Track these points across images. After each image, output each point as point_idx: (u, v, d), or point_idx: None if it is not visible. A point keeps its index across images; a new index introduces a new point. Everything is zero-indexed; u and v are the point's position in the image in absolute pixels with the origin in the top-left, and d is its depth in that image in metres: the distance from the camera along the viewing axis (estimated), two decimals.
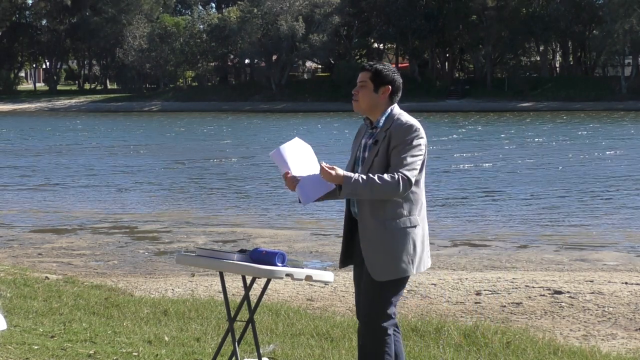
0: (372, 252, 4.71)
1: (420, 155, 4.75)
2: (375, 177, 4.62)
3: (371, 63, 4.93)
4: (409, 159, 4.70)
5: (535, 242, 15.39)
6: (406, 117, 4.84)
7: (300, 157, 4.88)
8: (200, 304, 8.56)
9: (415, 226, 4.79)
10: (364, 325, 4.81)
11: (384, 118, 4.85)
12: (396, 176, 4.64)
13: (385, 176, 4.64)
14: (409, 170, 4.68)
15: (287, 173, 4.81)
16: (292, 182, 4.81)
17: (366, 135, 4.91)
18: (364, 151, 4.86)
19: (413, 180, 4.69)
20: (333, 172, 4.60)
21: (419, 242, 4.84)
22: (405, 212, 4.76)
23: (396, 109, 4.91)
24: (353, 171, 4.85)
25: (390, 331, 4.82)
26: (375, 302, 4.77)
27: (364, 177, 4.64)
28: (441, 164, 30.71)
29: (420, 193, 4.83)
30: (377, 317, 4.78)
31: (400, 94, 4.92)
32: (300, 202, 4.86)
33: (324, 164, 4.64)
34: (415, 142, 4.73)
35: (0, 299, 5.80)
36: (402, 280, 4.83)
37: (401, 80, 4.93)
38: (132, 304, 8.44)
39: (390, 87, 4.87)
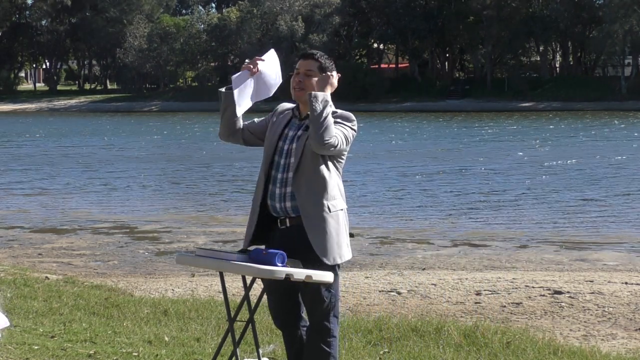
0: (322, 238, 4.67)
1: (349, 139, 4.72)
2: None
3: (313, 52, 4.86)
4: (343, 132, 4.67)
5: (535, 242, 15.39)
6: (341, 111, 4.79)
7: (273, 75, 4.93)
8: (200, 304, 8.56)
9: (343, 209, 4.80)
10: (315, 327, 4.77)
11: None
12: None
13: None
14: (341, 136, 4.65)
15: (258, 61, 4.85)
16: (253, 66, 4.81)
17: (292, 127, 4.81)
18: (291, 142, 4.77)
19: (343, 144, 4.65)
20: (331, 81, 4.67)
21: (347, 226, 4.84)
22: (338, 195, 4.76)
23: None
24: (272, 161, 4.80)
25: (336, 333, 4.80)
26: (319, 303, 4.74)
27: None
28: (441, 164, 30.70)
29: (341, 181, 4.85)
30: (322, 319, 4.75)
31: None
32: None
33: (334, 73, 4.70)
34: (348, 127, 4.71)
35: (0, 298, 5.82)
36: (336, 278, 4.80)
37: None
38: (132, 304, 8.44)
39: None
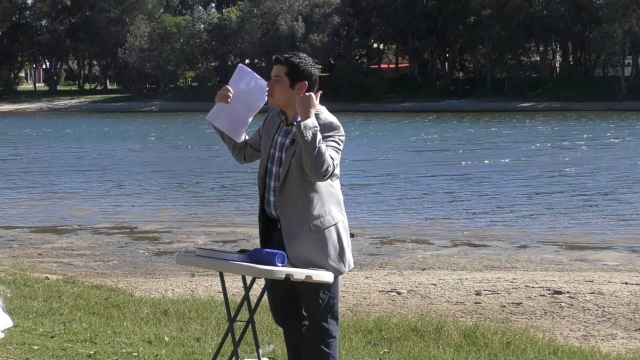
0: (302, 257, 4.62)
1: (340, 150, 4.62)
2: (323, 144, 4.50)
3: (286, 55, 4.69)
4: (335, 149, 4.57)
5: (535, 242, 15.39)
6: (325, 115, 4.66)
7: (251, 89, 4.83)
8: (200, 304, 8.56)
9: (337, 223, 4.69)
10: (314, 327, 4.75)
11: None
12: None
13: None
14: (335, 156, 4.56)
15: (227, 89, 4.81)
16: (224, 97, 4.79)
17: (281, 133, 4.72)
18: (280, 151, 4.70)
19: (336, 167, 4.56)
20: (312, 102, 4.49)
21: (344, 239, 4.72)
22: (327, 210, 4.65)
23: None
24: (267, 170, 4.74)
25: (335, 334, 4.78)
26: (317, 305, 4.72)
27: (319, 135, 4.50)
28: (440, 164, 30.70)
29: (338, 189, 4.76)
30: (321, 320, 4.74)
31: (317, 88, 4.71)
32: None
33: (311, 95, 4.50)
34: (336, 138, 4.60)
35: (1, 298, 5.83)
36: (336, 280, 4.77)
37: (318, 74, 4.74)
38: (132, 304, 8.43)
39: (306, 82, 4.67)
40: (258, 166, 4.87)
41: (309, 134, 4.46)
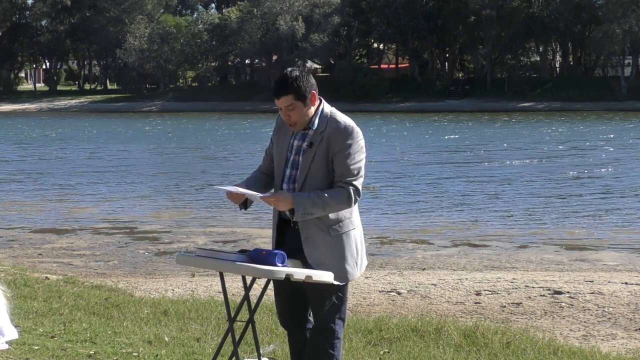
0: (320, 260, 4.63)
1: (363, 158, 4.68)
2: (326, 195, 4.55)
3: (283, 84, 4.62)
4: (355, 166, 4.63)
5: (535, 242, 15.39)
6: (341, 117, 4.70)
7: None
8: (200, 304, 8.56)
9: (355, 227, 4.75)
10: (320, 328, 4.76)
11: (317, 119, 4.69)
12: (346, 189, 4.58)
13: (336, 191, 4.58)
14: (357, 179, 4.63)
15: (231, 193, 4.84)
16: (237, 196, 4.84)
17: (297, 137, 4.73)
18: (297, 154, 4.71)
19: (361, 188, 4.63)
20: (280, 201, 4.55)
21: (359, 243, 4.79)
22: (347, 215, 4.69)
23: (326, 106, 4.74)
24: (283, 174, 4.75)
25: (340, 335, 4.79)
26: (326, 305, 4.73)
27: (315, 196, 4.54)
28: (439, 164, 30.69)
29: None
30: (328, 321, 4.74)
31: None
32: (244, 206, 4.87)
33: (266, 197, 4.57)
34: (357, 147, 4.64)
35: (8, 308, 5.83)
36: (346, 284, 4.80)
37: (313, 77, 4.75)
38: (132, 304, 8.44)
39: (314, 91, 4.68)
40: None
41: (311, 213, 4.55)
